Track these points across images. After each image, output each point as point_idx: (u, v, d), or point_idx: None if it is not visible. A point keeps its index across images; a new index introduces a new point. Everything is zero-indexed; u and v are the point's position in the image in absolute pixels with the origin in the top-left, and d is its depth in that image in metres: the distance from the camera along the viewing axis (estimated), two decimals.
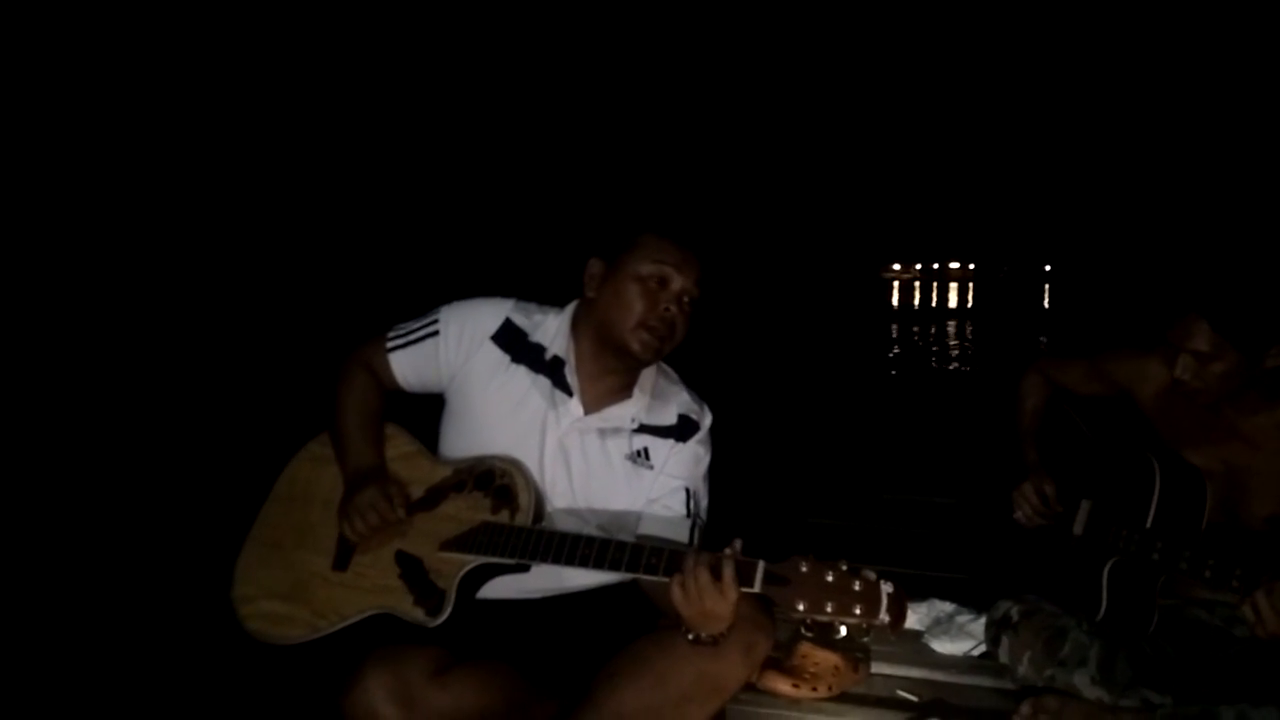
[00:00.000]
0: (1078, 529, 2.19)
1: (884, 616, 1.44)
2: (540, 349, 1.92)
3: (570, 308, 1.97)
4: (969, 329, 20.93)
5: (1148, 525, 2.01)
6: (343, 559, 1.84)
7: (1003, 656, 2.18)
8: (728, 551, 1.54)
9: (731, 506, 2.13)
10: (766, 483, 4.36)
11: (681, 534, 1.86)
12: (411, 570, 1.77)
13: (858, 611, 1.44)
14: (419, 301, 2.04)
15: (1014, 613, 2.18)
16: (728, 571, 1.51)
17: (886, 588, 1.45)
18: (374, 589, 1.78)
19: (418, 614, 1.72)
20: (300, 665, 1.88)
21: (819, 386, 9.04)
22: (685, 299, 1.85)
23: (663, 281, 1.82)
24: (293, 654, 1.83)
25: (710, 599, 1.52)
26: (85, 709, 1.73)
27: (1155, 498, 2.01)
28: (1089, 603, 2.09)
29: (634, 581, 1.79)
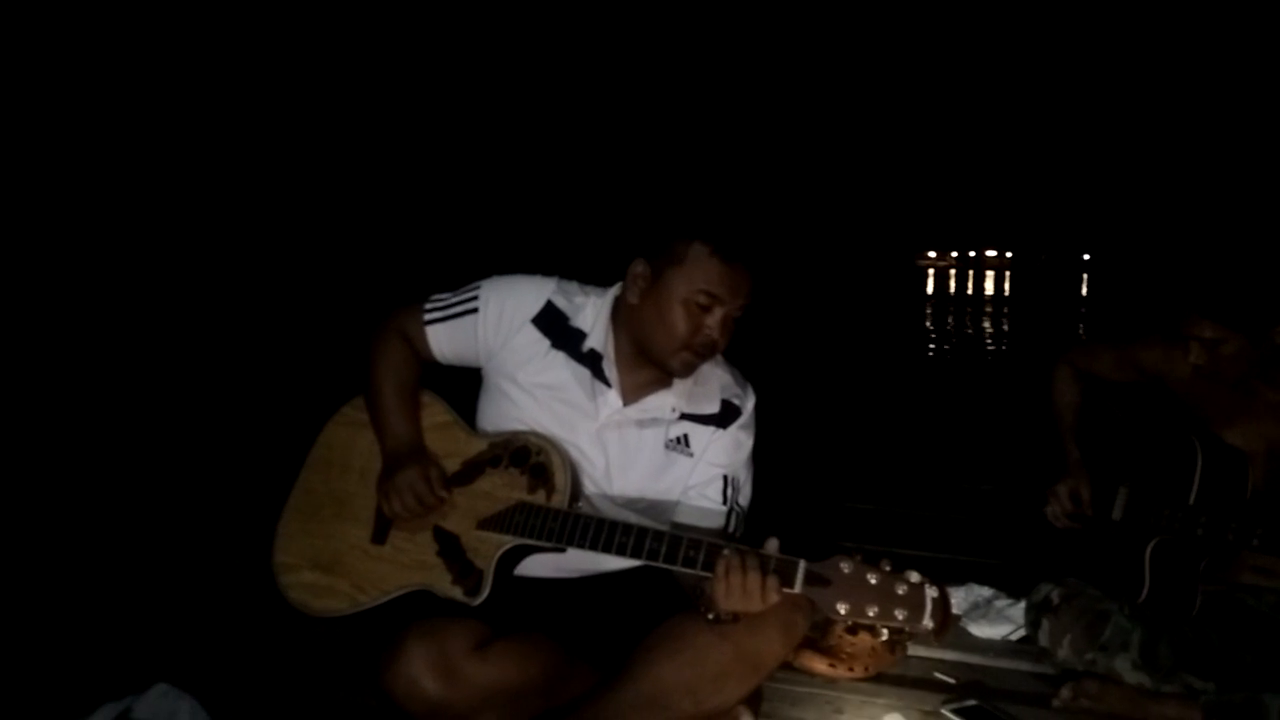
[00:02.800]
0: (1116, 514, 2.17)
1: (928, 622, 1.41)
2: (580, 335, 1.87)
3: (610, 295, 1.90)
4: (1005, 316, 20.70)
5: (1191, 503, 1.99)
6: (381, 532, 1.84)
7: (1042, 640, 2.16)
8: (767, 548, 1.52)
9: (771, 492, 2.11)
10: (805, 468, 4.34)
11: (717, 522, 1.85)
12: (449, 547, 1.77)
13: (900, 616, 1.42)
14: (452, 267, 2.02)
15: (1055, 596, 2.16)
16: (768, 572, 1.49)
17: (931, 592, 1.42)
18: (412, 565, 1.79)
19: (456, 592, 1.72)
20: (339, 637, 1.90)
21: (856, 374, 8.98)
22: (732, 317, 1.78)
23: (709, 306, 1.75)
24: (332, 625, 1.85)
25: (752, 599, 1.50)
26: (123, 672, 1.76)
27: (1198, 476, 1.99)
28: (1131, 585, 2.07)
29: None
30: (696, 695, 1.66)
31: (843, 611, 1.44)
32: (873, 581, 1.43)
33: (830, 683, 2.14)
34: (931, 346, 13.85)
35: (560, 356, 1.87)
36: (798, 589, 1.48)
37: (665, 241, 1.77)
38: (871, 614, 1.42)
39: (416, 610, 1.73)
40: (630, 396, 1.86)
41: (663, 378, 1.89)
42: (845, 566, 1.45)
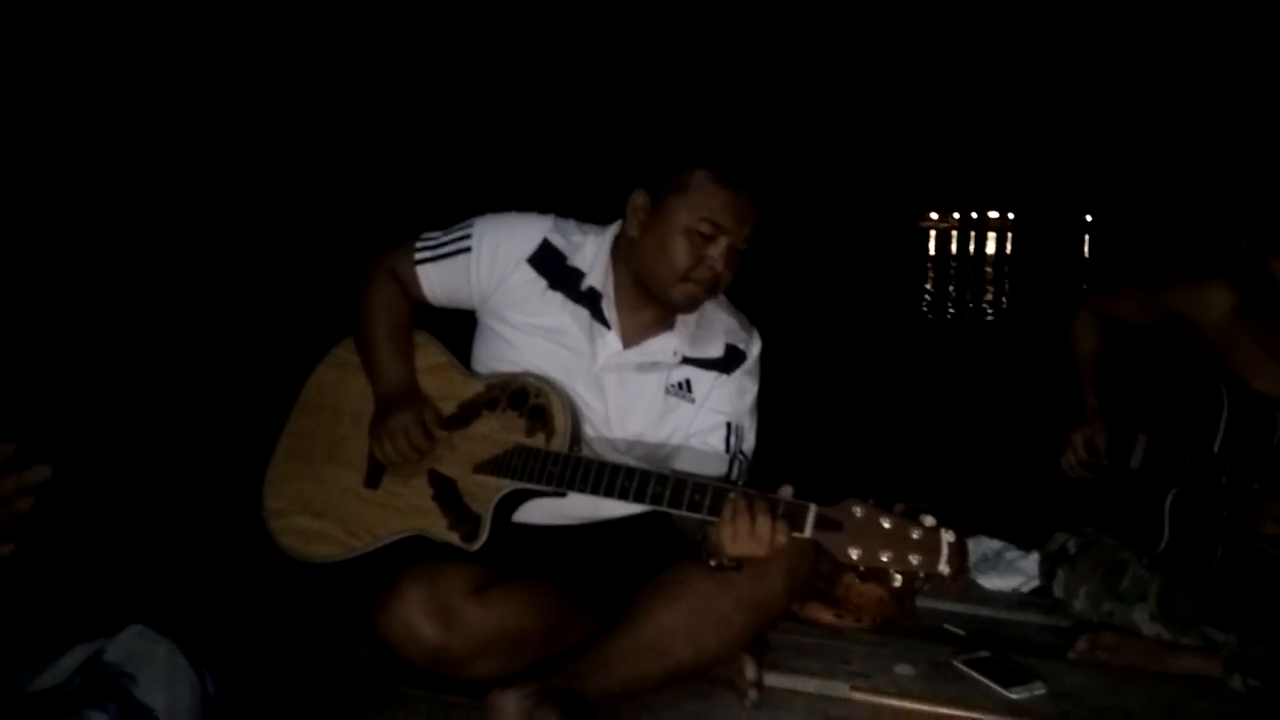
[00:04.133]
0: (1134, 463, 2.11)
1: (943, 567, 1.36)
2: (578, 275, 1.80)
3: (610, 232, 1.83)
4: (1006, 278, 20.69)
5: (1215, 451, 1.92)
6: (374, 476, 1.78)
7: (1057, 591, 2.11)
8: (778, 494, 1.47)
9: (775, 447, 2.05)
10: (809, 425, 4.29)
11: (719, 470, 1.78)
12: (445, 492, 1.71)
13: (915, 561, 1.37)
14: (444, 204, 1.94)
15: (1071, 545, 2.11)
16: (777, 516, 1.44)
17: (947, 536, 1.37)
18: (407, 509, 1.73)
19: (453, 537, 1.67)
20: (331, 583, 1.85)
21: (859, 333, 8.94)
22: (735, 249, 1.71)
23: (712, 236, 1.68)
24: (324, 571, 1.79)
25: (760, 543, 1.44)
26: (97, 613, 1.70)
27: (1223, 423, 1.92)
28: (1149, 535, 2.01)
29: None
30: (698, 643, 1.61)
31: (855, 557, 1.39)
32: (886, 526, 1.38)
33: (837, 634, 2.09)
34: (928, 304, 13.82)
35: (558, 297, 1.79)
36: (808, 533, 1.43)
37: (667, 170, 1.71)
38: (885, 559, 1.38)
39: (412, 556, 1.68)
40: (630, 339, 1.80)
41: (664, 319, 1.82)
42: (858, 510, 1.40)
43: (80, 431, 3.55)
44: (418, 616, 1.55)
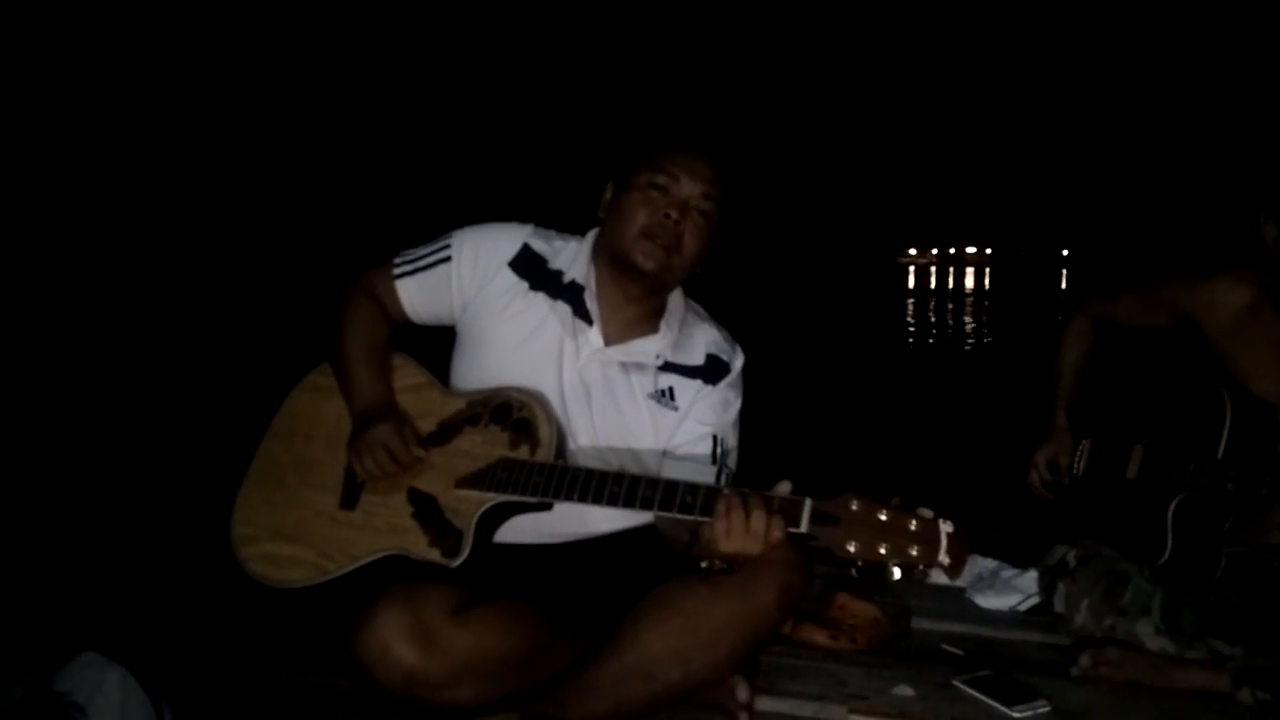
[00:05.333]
0: (1131, 473, 2.06)
1: (943, 558, 1.33)
2: (560, 275, 1.79)
3: (591, 234, 1.84)
4: (984, 313, 20.84)
5: (1219, 458, 1.87)
6: (350, 497, 1.72)
7: (1058, 605, 2.05)
8: (777, 490, 1.43)
9: (758, 474, 2.00)
10: (792, 455, 4.25)
11: (706, 479, 1.73)
12: (426, 509, 1.65)
13: (914, 553, 1.33)
14: (427, 229, 1.91)
15: (1071, 558, 2.04)
16: (773, 511, 1.40)
17: (946, 527, 1.34)
18: (385, 529, 1.67)
19: (434, 554, 1.60)
20: (305, 608, 1.77)
21: (840, 367, 8.93)
22: (695, 209, 1.71)
23: (666, 188, 1.70)
24: (297, 597, 1.71)
25: (755, 538, 1.40)
26: (48, 642, 1.61)
27: (1226, 429, 1.87)
28: (1152, 546, 1.95)
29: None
30: (687, 664, 1.54)
31: (852, 550, 1.35)
32: (883, 518, 1.35)
33: (831, 655, 2.02)
34: (910, 336, 13.89)
35: (539, 297, 1.78)
36: (804, 528, 1.39)
37: (633, 159, 1.76)
38: (883, 551, 1.34)
39: (389, 579, 1.60)
40: (612, 337, 1.78)
41: (646, 320, 1.81)
42: (854, 504, 1.37)
43: (41, 449, 3.45)
44: (395, 638, 1.48)
